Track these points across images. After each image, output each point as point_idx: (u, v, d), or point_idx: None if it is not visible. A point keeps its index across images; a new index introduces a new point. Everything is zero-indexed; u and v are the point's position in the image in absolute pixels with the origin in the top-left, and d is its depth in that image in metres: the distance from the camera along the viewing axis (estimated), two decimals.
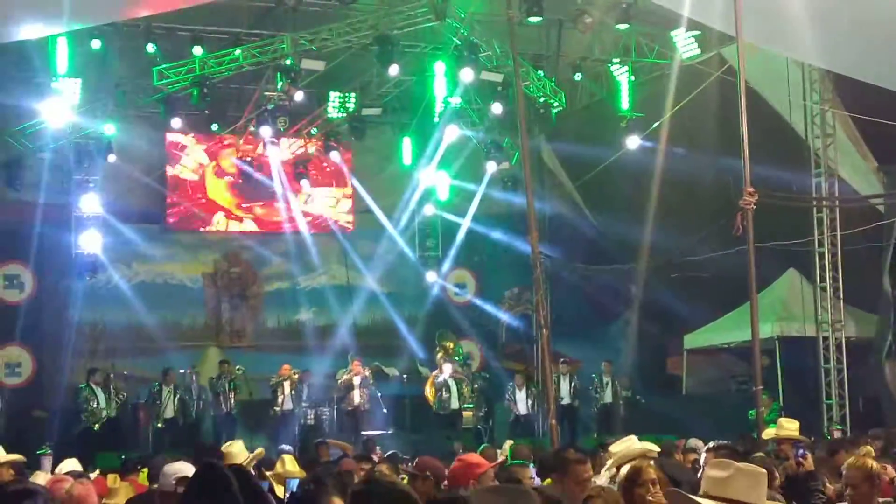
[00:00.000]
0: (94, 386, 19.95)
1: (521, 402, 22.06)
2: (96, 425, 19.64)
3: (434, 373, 22.17)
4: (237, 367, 21.05)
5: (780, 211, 16.22)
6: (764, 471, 5.05)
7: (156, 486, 7.98)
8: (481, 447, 12.83)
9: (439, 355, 22.62)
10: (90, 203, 21.55)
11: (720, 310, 21.08)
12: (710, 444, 9.05)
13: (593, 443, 17.66)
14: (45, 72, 19.51)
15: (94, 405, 19.72)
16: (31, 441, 18.05)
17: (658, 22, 19.64)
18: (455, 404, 21.73)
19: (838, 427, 18.64)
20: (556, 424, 13.85)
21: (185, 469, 6.66)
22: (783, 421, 11.26)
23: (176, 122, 21.14)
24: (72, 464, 10.24)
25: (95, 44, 19.20)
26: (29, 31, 15.27)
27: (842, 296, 20.07)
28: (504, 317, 25.35)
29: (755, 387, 13.18)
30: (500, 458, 10.26)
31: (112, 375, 20.47)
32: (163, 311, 23.10)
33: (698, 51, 19.97)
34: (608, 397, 22.07)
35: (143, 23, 18.91)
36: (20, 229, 19.26)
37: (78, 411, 19.87)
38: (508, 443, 13.50)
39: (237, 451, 8.80)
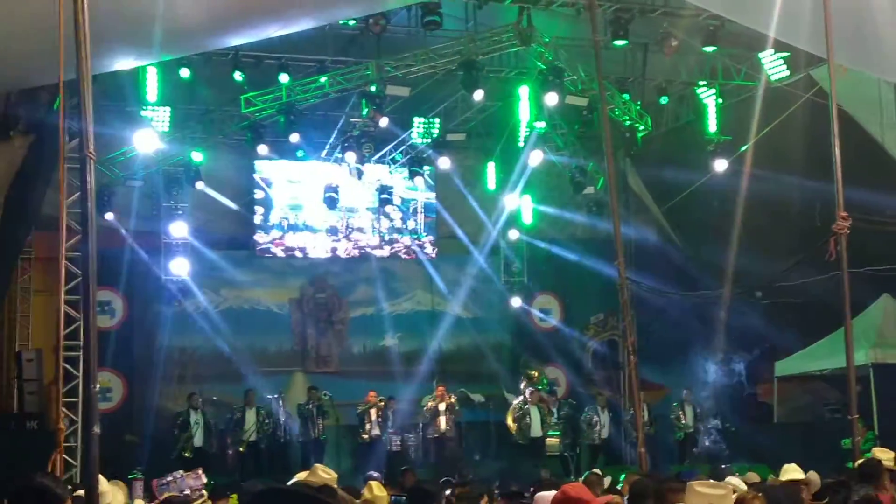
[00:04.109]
0: (192, 411, 20.28)
1: (606, 424, 21.90)
2: (188, 452, 19.88)
3: (515, 402, 22.06)
4: (324, 392, 21.14)
5: (872, 235, 15.89)
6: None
7: None
8: (585, 474, 12.66)
9: (523, 384, 22.50)
10: (179, 229, 21.87)
11: (812, 336, 20.68)
12: None
13: (677, 470, 17.46)
14: (136, 101, 19.88)
15: (190, 430, 20.05)
16: (123, 465, 18.28)
17: (745, 44, 19.42)
18: (537, 432, 21.60)
19: None
20: (644, 453, 13.65)
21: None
22: (877, 451, 10.97)
23: (262, 149, 21.35)
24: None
25: (184, 73, 19.49)
26: (122, 63, 15.56)
27: None
28: (590, 343, 25.16)
29: (850, 415, 12.84)
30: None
31: (202, 401, 20.76)
32: (250, 337, 23.26)
33: (787, 72, 19.70)
34: (690, 425, 21.83)
35: (230, 52, 19.17)
36: (111, 256, 19.52)
37: (176, 436, 20.18)
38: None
39: (330, 476, 8.73)
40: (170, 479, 9.14)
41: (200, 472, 9.66)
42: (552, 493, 7.69)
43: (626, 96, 21.68)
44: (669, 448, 22.19)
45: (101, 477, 7.28)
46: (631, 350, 14.38)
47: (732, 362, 23.17)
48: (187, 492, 9.18)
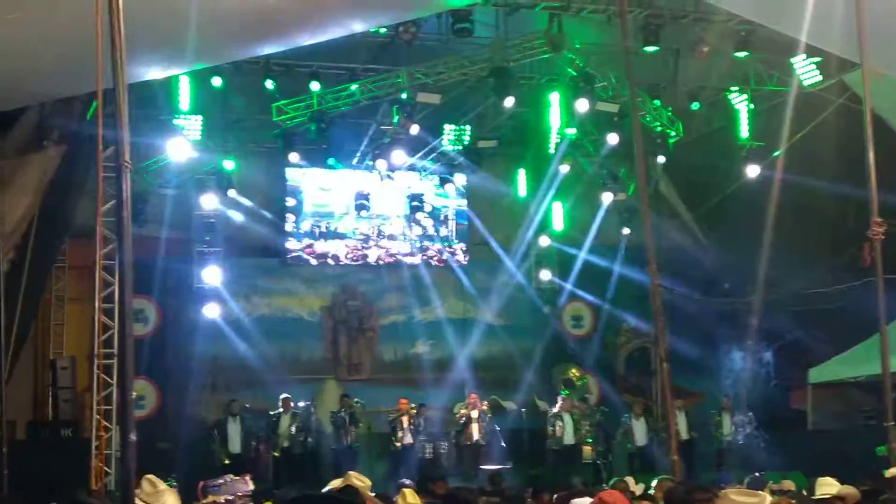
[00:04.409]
0: (230, 418, 20.38)
1: (640, 433, 21.79)
2: (226, 458, 19.95)
3: (551, 409, 22.02)
4: (355, 400, 21.17)
5: None
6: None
7: None
8: (612, 481, 12.63)
9: (561, 389, 22.44)
10: (211, 237, 21.94)
11: (847, 343, 20.51)
12: None
13: (712, 478, 17.36)
14: (168, 109, 19.96)
15: (227, 438, 20.19)
16: (156, 474, 18.30)
17: (777, 49, 19.29)
18: (570, 439, 21.54)
19: None
20: (678, 460, 13.59)
21: None
22: None
23: (294, 157, 21.44)
24: None
25: (216, 81, 19.60)
26: (155, 72, 15.66)
27: None
28: (622, 350, 25.06)
29: (885, 422, 12.73)
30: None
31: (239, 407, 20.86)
32: (282, 345, 23.30)
33: (820, 77, 19.59)
34: (727, 433, 21.69)
35: (262, 60, 19.25)
36: (144, 264, 19.58)
37: (212, 444, 20.32)
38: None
39: (364, 483, 8.76)
40: (220, 481, 9.22)
41: (248, 478, 9.73)
42: (586, 500, 7.70)
43: (658, 102, 21.65)
44: (707, 456, 22.04)
45: (155, 478, 7.36)
46: (663, 357, 14.34)
47: (765, 369, 23.03)
48: (230, 497, 9.23)
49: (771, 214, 20.12)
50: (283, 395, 21.01)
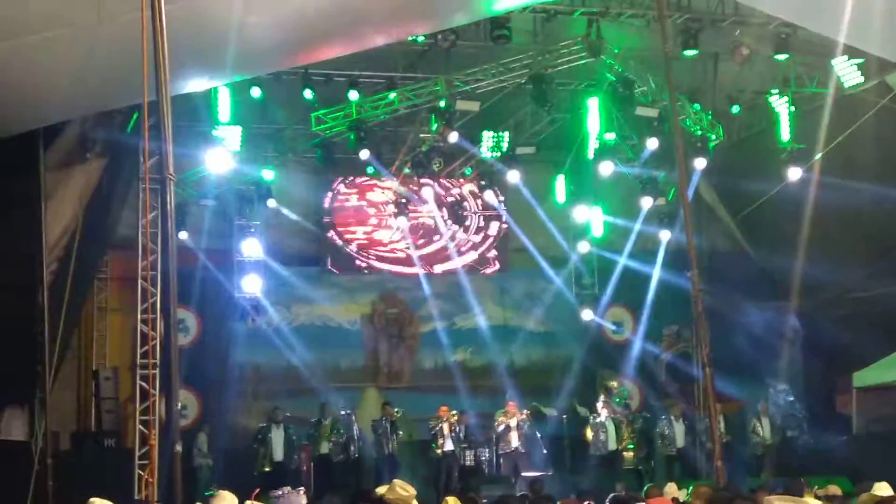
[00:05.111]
0: (273, 426, 20.43)
1: (680, 435, 21.65)
2: (268, 466, 20.01)
3: (592, 416, 21.93)
4: (396, 409, 21.17)
5: None
6: None
7: None
8: (646, 487, 12.58)
9: (601, 398, 22.27)
10: (251, 247, 21.99)
11: (891, 346, 20.31)
12: None
13: (758, 482, 17.22)
14: (208, 120, 20.06)
15: (270, 445, 20.21)
16: (199, 483, 18.46)
17: (820, 51, 19.15)
18: (612, 445, 21.45)
19: None
20: (721, 465, 13.51)
21: None
22: None
23: (333, 165, 21.53)
24: None
25: (255, 92, 19.67)
26: (196, 84, 15.77)
27: None
28: (663, 355, 24.93)
29: None
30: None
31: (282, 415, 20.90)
32: (322, 353, 23.33)
33: (861, 79, 19.41)
34: (768, 437, 21.54)
35: (300, 70, 19.30)
36: (184, 274, 19.63)
37: (255, 449, 20.36)
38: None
39: (408, 493, 8.78)
40: (279, 493, 9.35)
41: (302, 491, 9.85)
42: None
43: (697, 106, 21.54)
44: (745, 461, 21.88)
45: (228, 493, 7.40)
46: (706, 362, 14.25)
47: (809, 373, 22.83)
48: None
49: (812, 217, 19.99)
50: (321, 402, 21.08)
